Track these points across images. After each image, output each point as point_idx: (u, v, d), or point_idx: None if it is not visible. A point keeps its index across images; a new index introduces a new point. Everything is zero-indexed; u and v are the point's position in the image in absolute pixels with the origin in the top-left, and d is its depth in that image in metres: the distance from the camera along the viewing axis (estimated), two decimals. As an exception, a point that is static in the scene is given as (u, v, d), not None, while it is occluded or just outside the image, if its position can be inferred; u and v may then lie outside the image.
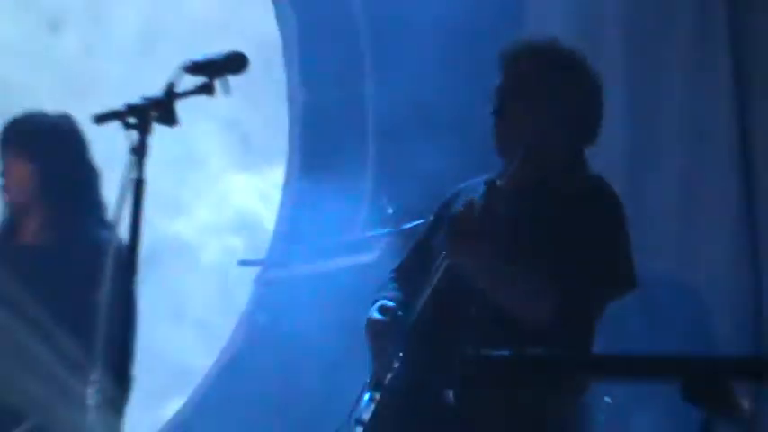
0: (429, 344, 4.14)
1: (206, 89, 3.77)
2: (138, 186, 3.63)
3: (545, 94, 4.22)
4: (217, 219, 7.18)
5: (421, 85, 6.09)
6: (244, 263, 6.56)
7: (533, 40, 4.39)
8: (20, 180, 4.76)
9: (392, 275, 4.49)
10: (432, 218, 4.48)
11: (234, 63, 3.78)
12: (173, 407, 6.54)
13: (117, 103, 3.93)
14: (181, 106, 3.80)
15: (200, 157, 6.97)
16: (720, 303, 5.63)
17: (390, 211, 5.77)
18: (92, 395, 4.13)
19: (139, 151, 3.62)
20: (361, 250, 5.86)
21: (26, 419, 4.70)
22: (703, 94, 5.75)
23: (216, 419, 6.13)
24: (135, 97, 3.74)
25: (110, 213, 4.50)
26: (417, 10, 5.74)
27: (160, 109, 3.70)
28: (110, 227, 4.30)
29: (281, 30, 6.44)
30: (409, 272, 4.38)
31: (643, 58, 5.98)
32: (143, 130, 3.65)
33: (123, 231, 3.76)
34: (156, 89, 3.82)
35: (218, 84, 3.80)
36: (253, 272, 6.80)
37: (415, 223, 5.10)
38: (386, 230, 5.60)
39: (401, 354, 4.21)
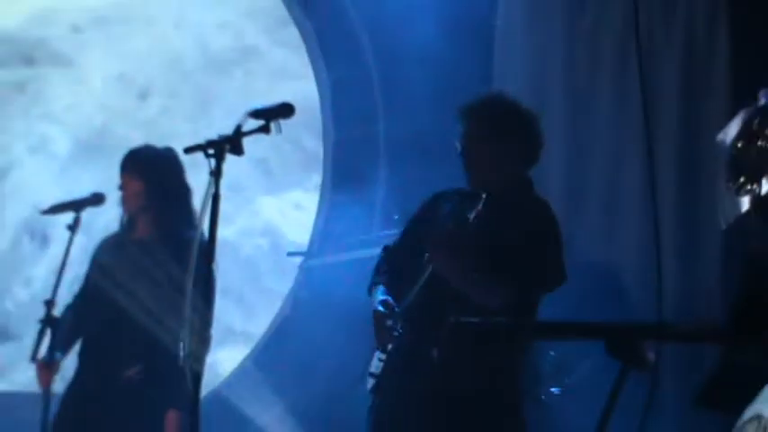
0: (419, 320, 4.13)
1: (264, 129, 3.95)
2: (215, 199, 3.84)
3: (497, 136, 4.23)
4: (250, 226, 7.23)
5: (419, 124, 6.15)
6: (291, 254, 6.59)
7: (486, 96, 4.40)
8: (134, 194, 4.79)
9: (384, 254, 4.50)
10: (416, 214, 4.48)
11: (284, 110, 3.98)
12: (222, 356, 6.35)
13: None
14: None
15: (240, 185, 6.87)
16: (635, 282, 5.66)
17: (396, 216, 5.90)
18: (182, 348, 4.21)
19: (216, 174, 3.83)
20: (375, 245, 5.66)
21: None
22: (621, 129, 5.80)
23: (269, 370, 6.10)
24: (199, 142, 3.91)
25: (196, 217, 4.44)
26: (417, 71, 5.82)
27: (231, 143, 3.87)
28: (196, 227, 4.27)
29: (319, 87, 6.40)
30: (397, 253, 4.41)
31: (577, 104, 6.01)
32: (219, 158, 3.83)
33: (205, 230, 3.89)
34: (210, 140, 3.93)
35: (272, 126, 3.97)
36: (286, 260, 6.77)
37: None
38: (393, 231, 5.52)
39: (400, 330, 4.16)
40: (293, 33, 6.31)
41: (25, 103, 6.37)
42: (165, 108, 6.01)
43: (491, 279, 4.10)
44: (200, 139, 4.04)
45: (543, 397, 5.16)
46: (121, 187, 4.80)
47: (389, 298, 4.23)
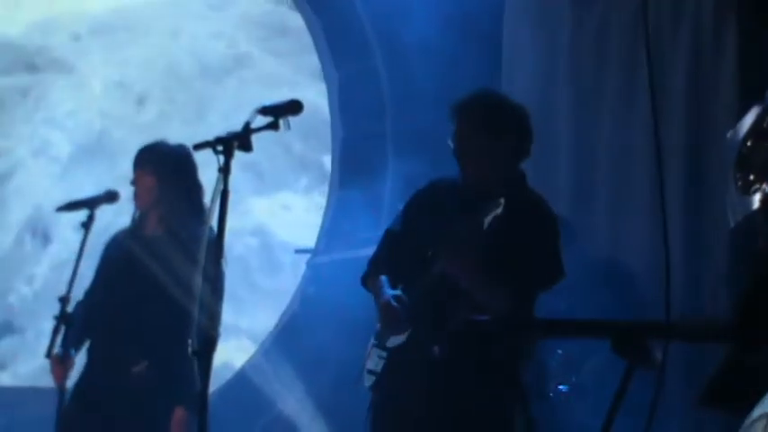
0: (423, 317, 4.14)
1: (273, 126, 3.94)
2: (224, 195, 3.84)
3: (489, 132, 4.22)
4: (241, 226, 7.26)
5: (426, 121, 6.11)
6: (299, 251, 6.65)
7: (476, 93, 4.37)
8: (146, 189, 4.83)
9: (385, 240, 4.45)
10: (413, 201, 4.45)
11: (293, 107, 3.98)
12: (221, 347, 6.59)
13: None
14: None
15: (231, 187, 7.08)
16: (642, 280, 5.65)
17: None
18: (190, 344, 4.36)
19: (225, 170, 3.85)
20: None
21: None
22: (628, 127, 5.77)
23: (278, 365, 6.08)
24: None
25: (206, 214, 4.42)
26: (424, 69, 5.84)
27: (240, 140, 3.87)
28: (205, 223, 4.30)
29: (327, 84, 6.46)
30: (397, 241, 4.38)
31: (585, 101, 6.01)
32: (228, 155, 3.85)
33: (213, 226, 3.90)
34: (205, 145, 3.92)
35: (281, 122, 3.96)
36: (275, 258, 6.98)
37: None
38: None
39: (410, 327, 4.16)
40: (284, 43, 6.40)
41: (28, 108, 6.47)
42: (163, 113, 6.09)
43: (500, 279, 4.10)
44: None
45: (551, 394, 5.17)
46: (134, 182, 4.84)
47: (401, 293, 4.22)
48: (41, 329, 6.24)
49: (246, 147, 3.96)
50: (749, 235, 3.61)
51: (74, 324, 4.72)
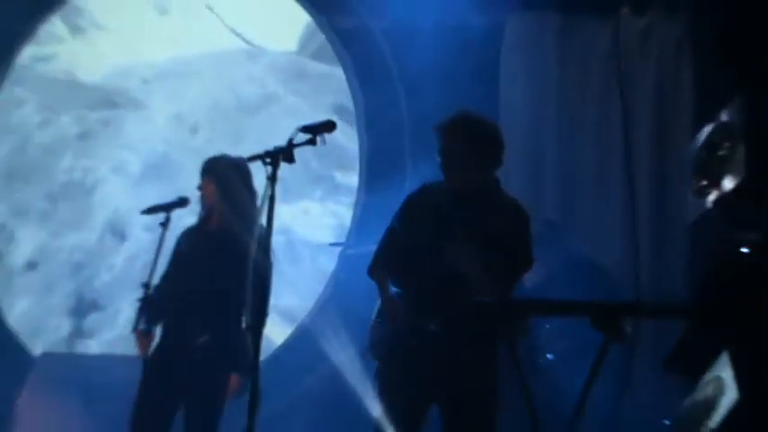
0: (426, 299, 4.09)
1: (311, 142, 3.92)
2: (271, 198, 3.84)
3: (469, 145, 4.14)
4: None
5: (434, 140, 6.07)
6: (333, 244, 6.48)
7: (457, 114, 4.29)
8: (210, 193, 4.78)
9: (387, 236, 4.35)
10: (409, 202, 4.35)
11: (329, 126, 3.94)
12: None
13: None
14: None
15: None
16: (616, 268, 5.61)
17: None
18: (244, 321, 4.46)
19: (272, 179, 3.86)
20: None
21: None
22: (604, 141, 5.81)
23: (314, 340, 5.92)
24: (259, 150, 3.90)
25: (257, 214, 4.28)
26: (437, 94, 5.71)
27: (285, 153, 3.86)
28: (257, 221, 4.20)
29: (355, 106, 6.41)
30: (398, 238, 4.28)
31: (568, 119, 5.96)
32: (275, 166, 3.85)
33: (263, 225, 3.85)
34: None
35: (318, 139, 3.94)
36: (297, 251, 6.79)
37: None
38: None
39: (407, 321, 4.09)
40: (303, 84, 6.45)
41: (108, 136, 6.61)
42: (210, 139, 6.13)
43: (490, 266, 4.04)
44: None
45: (541, 361, 5.12)
46: (200, 188, 4.80)
47: (401, 292, 4.20)
48: (119, 307, 6.36)
49: (290, 159, 3.94)
50: (703, 231, 3.65)
51: (153, 304, 4.72)
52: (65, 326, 6.36)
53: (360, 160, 6.25)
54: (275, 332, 6.42)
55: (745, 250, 3.01)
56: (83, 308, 6.44)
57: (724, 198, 3.13)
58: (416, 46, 6.01)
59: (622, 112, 5.59)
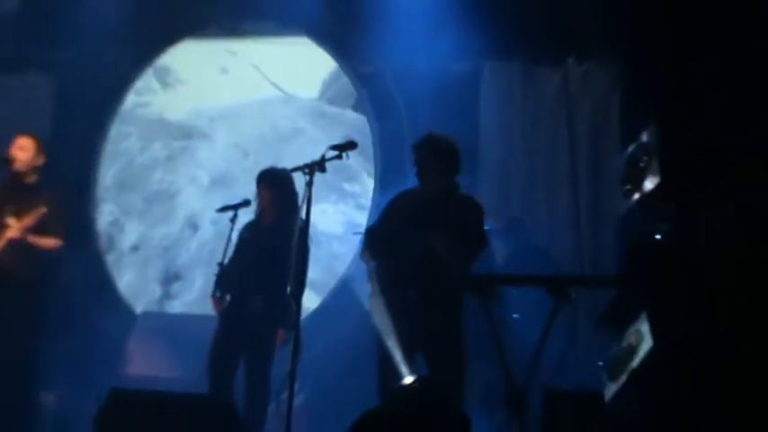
0: (405, 274, 4.04)
1: (338, 157, 4.01)
2: (309, 200, 3.95)
3: (436, 160, 4.16)
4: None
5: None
6: (356, 233, 6.13)
7: (427, 136, 4.24)
8: (264, 196, 4.76)
9: (369, 232, 4.33)
10: (390, 205, 4.33)
11: (351, 145, 4.03)
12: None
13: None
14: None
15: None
16: (564, 251, 5.60)
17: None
18: (288, 288, 4.25)
19: (310, 184, 3.96)
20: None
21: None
22: (557, 164, 5.74)
23: (338, 310, 5.79)
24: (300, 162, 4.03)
25: (299, 211, 4.22)
26: (432, 122, 5.32)
27: (319, 165, 3.98)
28: (298, 217, 4.23)
29: (372, 131, 6.25)
30: (381, 231, 4.26)
31: (529, 140, 5.89)
32: (312, 174, 3.96)
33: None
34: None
35: (343, 154, 4.01)
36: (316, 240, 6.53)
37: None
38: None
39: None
40: (323, 121, 6.43)
41: (186, 158, 6.67)
42: (256, 161, 6.05)
43: (460, 249, 4.04)
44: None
45: (509, 320, 5.05)
46: (258, 193, 4.77)
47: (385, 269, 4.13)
48: (194, 278, 6.40)
49: (323, 169, 4.02)
50: (629, 223, 3.69)
51: (225, 277, 4.72)
52: (157, 291, 6.48)
53: (374, 169, 6.20)
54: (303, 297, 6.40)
55: (658, 237, 3.05)
56: (169, 278, 6.51)
57: (644, 198, 3.17)
58: (416, 84, 5.97)
59: (569, 136, 5.64)
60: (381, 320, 4.13)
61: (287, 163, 4.63)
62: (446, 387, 3.84)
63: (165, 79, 6.77)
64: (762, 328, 2.30)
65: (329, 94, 6.45)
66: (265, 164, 5.02)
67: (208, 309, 4.93)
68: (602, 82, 5.66)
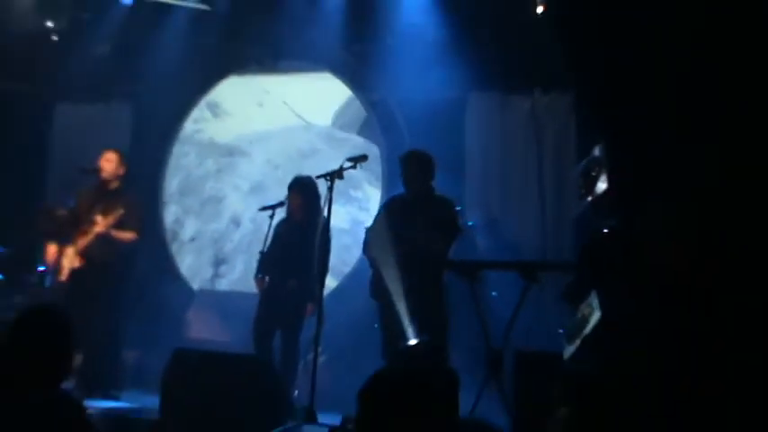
0: (401, 261, 4.00)
1: (353, 167, 4.08)
2: (330, 201, 3.99)
3: (417, 170, 4.18)
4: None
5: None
6: (367, 229, 6.56)
7: (411, 151, 4.27)
8: (294, 198, 4.70)
9: (365, 245, 4.29)
10: (384, 207, 4.35)
11: (364, 157, 4.11)
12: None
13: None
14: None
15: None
16: (531, 242, 5.55)
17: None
18: (315, 270, 4.30)
19: (331, 189, 4.00)
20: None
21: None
22: (528, 175, 5.69)
23: (354, 290, 5.69)
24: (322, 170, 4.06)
25: (322, 210, 4.26)
26: (427, 139, 5.34)
27: (338, 173, 4.04)
28: (321, 215, 4.27)
29: (379, 146, 6.15)
30: (371, 242, 4.24)
31: (505, 154, 5.82)
32: (332, 180, 4.01)
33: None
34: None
35: (358, 165, 4.09)
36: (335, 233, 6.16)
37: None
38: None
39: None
40: (334, 143, 6.40)
41: (230, 171, 6.66)
42: (285, 173, 6.03)
43: (439, 238, 4.05)
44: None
45: (489, 297, 4.93)
46: (289, 196, 4.72)
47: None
48: (237, 263, 6.40)
49: (341, 177, 4.06)
50: (583, 220, 3.69)
51: (265, 262, 4.67)
52: (209, 272, 6.47)
53: (382, 177, 6.17)
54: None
55: (606, 231, 3.06)
56: (218, 263, 6.49)
57: (595, 201, 3.18)
58: (415, 109, 5.93)
59: (537, 153, 5.62)
60: (382, 297, 4.09)
61: (307, 174, 4.72)
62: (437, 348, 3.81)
63: (215, 111, 6.86)
64: (684, 303, 2.31)
65: (339, 122, 6.48)
66: (291, 175, 5.02)
67: (247, 287, 5.07)
68: (562, 109, 5.65)
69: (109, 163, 4.87)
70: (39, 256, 5.07)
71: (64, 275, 4.68)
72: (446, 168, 4.74)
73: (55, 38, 6.27)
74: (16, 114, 6.39)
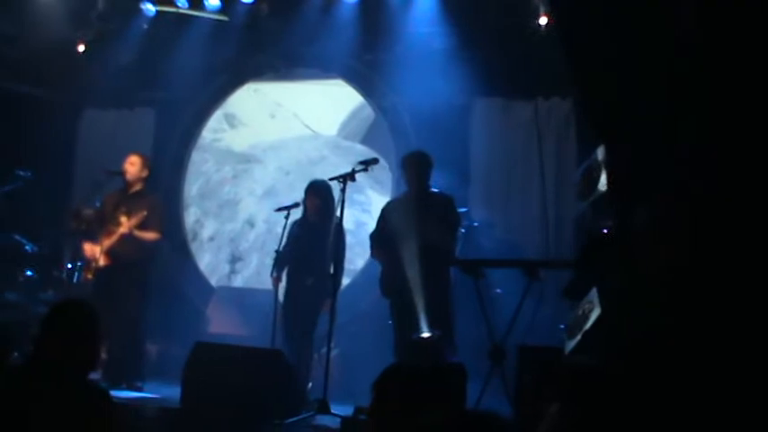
0: (408, 257, 4.03)
1: (364, 170, 4.08)
2: (343, 202, 4.02)
3: (417, 170, 4.16)
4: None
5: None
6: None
7: (412, 152, 4.27)
8: (310, 200, 4.64)
9: (372, 247, 4.32)
10: (386, 209, 4.37)
11: (374, 161, 4.09)
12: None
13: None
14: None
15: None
16: (534, 240, 5.54)
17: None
18: (331, 268, 4.31)
19: (343, 190, 4.03)
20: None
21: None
22: (530, 177, 5.68)
23: (370, 281, 5.55)
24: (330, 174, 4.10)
25: (336, 211, 4.27)
26: (432, 141, 5.35)
27: (350, 176, 4.05)
28: (335, 215, 4.29)
29: (389, 148, 6.15)
30: (382, 231, 4.28)
31: (508, 155, 5.84)
32: (345, 182, 4.03)
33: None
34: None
35: (368, 168, 4.15)
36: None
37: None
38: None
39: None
40: (340, 151, 6.41)
41: (246, 176, 6.70)
42: (295, 179, 6.09)
43: (446, 234, 4.07)
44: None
45: (492, 293, 4.88)
46: (305, 198, 4.68)
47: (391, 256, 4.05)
48: (251, 261, 6.45)
49: (353, 179, 4.06)
50: (583, 220, 3.68)
51: (281, 261, 4.64)
52: (226, 269, 6.51)
53: (392, 178, 6.17)
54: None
55: (605, 230, 3.06)
56: (234, 260, 6.53)
57: (594, 201, 3.18)
58: (423, 115, 5.93)
59: (538, 155, 5.57)
60: (394, 294, 4.12)
61: (321, 178, 4.70)
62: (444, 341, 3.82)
63: (232, 122, 6.91)
64: (675, 300, 2.30)
65: (344, 132, 6.53)
66: (301, 181, 5.03)
67: (260, 282, 5.13)
68: (563, 114, 5.65)
69: (133, 166, 4.88)
70: (67, 253, 5.16)
71: (92, 272, 4.71)
72: (452, 171, 4.80)
73: (82, 48, 6.39)
74: (46, 120, 6.48)
